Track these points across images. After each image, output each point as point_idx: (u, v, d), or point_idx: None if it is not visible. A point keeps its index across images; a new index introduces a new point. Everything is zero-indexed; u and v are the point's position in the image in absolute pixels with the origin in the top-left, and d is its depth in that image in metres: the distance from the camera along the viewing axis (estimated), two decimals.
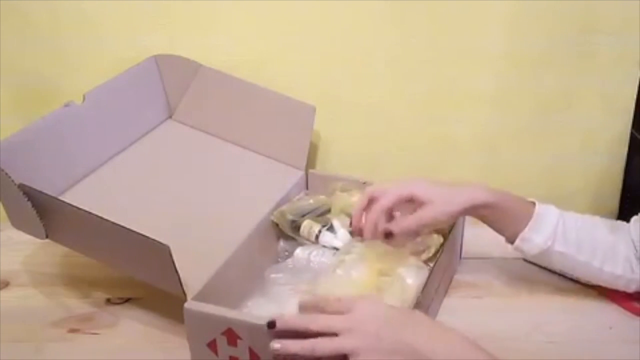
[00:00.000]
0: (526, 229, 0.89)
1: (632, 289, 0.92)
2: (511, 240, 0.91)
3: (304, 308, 0.76)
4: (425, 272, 0.90)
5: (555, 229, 0.89)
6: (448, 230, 0.96)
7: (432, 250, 0.95)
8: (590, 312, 0.94)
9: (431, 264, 0.92)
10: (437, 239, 0.96)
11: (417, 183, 0.89)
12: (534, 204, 0.90)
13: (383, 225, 0.89)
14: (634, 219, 0.93)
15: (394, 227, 0.88)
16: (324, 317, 0.72)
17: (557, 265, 0.95)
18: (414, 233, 0.92)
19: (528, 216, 0.89)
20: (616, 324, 0.92)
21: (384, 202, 0.88)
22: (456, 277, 1.02)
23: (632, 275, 0.91)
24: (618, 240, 0.91)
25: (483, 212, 0.89)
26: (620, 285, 0.92)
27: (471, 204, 0.88)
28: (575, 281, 0.99)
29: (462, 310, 0.95)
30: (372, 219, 0.88)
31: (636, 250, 0.90)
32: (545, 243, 0.89)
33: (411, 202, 0.88)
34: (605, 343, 0.90)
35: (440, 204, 0.87)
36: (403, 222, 0.88)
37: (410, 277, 0.90)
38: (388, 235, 0.89)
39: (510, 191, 0.91)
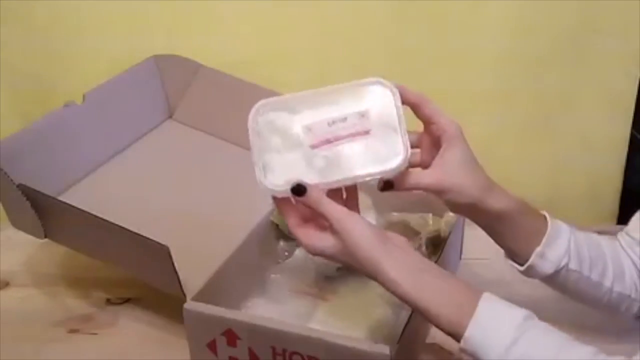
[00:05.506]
0: (541, 245, 0.78)
1: (634, 311, 0.84)
2: (520, 257, 0.81)
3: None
4: None
5: (568, 244, 0.79)
6: (448, 231, 0.96)
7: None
8: (590, 312, 0.94)
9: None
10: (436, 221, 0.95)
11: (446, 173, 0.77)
12: (545, 217, 0.80)
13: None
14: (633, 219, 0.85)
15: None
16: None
17: (570, 287, 0.83)
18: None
19: (542, 231, 0.78)
20: (616, 324, 0.92)
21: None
22: None
23: (636, 295, 0.83)
24: (622, 257, 0.83)
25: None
26: (623, 308, 0.84)
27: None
28: None
29: None
30: None
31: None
32: (561, 261, 0.79)
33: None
34: (605, 343, 0.90)
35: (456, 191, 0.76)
36: (405, 179, 0.75)
37: None
38: (386, 186, 0.74)
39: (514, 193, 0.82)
